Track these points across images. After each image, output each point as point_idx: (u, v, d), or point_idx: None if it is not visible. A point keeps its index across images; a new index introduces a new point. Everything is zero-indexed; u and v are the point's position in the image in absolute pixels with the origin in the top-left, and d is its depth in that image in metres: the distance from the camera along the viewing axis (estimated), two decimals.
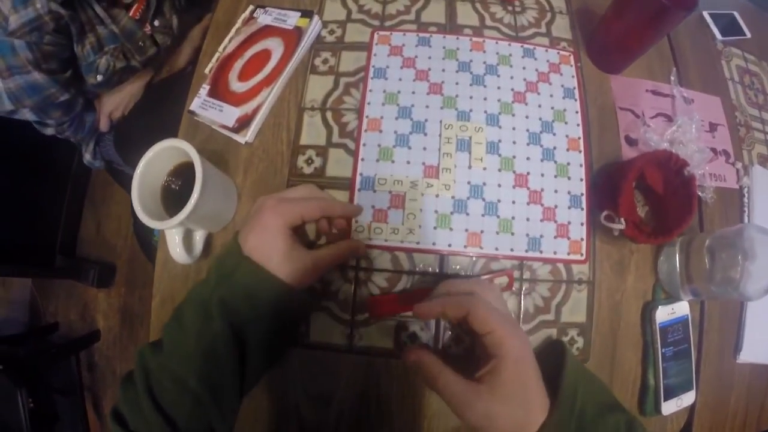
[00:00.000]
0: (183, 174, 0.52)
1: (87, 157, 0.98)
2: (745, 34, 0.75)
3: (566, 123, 0.57)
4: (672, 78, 0.65)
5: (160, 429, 0.37)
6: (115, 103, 0.90)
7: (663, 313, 0.54)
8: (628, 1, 0.55)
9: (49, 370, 1.34)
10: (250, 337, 0.41)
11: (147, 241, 1.21)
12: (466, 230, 0.52)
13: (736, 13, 0.77)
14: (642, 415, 0.55)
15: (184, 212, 0.46)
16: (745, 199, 0.63)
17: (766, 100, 0.71)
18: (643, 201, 0.58)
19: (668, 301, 0.55)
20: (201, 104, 0.60)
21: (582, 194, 0.55)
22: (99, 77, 0.80)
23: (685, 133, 0.60)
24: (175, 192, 0.52)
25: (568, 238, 0.53)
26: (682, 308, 0.55)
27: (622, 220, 0.50)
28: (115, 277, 1.56)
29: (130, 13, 0.78)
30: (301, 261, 0.43)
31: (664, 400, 0.54)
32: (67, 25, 0.71)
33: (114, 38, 0.77)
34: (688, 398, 0.55)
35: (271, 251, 0.42)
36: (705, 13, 0.75)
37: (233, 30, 0.65)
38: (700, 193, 0.59)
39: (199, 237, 0.53)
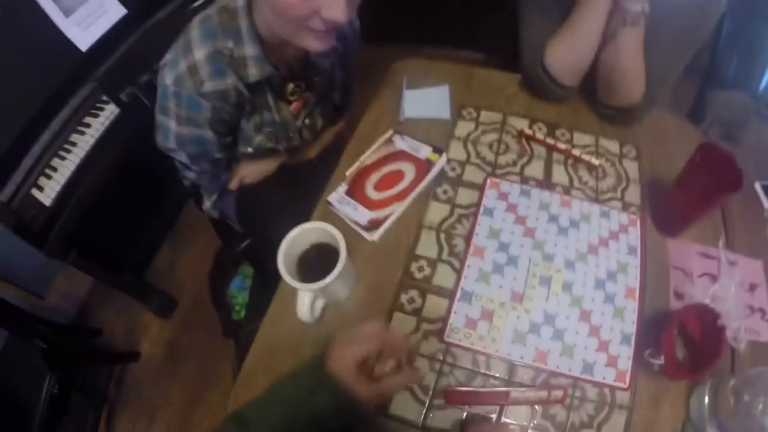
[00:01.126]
0: (320, 249, 0.67)
1: (207, 204, 1.08)
2: None
3: (627, 275, 0.72)
4: (720, 243, 0.79)
5: None
6: (250, 171, 1.04)
7: None
8: (688, 180, 0.71)
9: (82, 368, 1.37)
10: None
11: (220, 292, 1.34)
12: (536, 348, 0.67)
13: None
14: None
15: (323, 282, 0.60)
16: None
17: None
18: (683, 345, 0.71)
19: None
20: (338, 199, 0.79)
21: (632, 334, 0.69)
22: (250, 150, 0.94)
23: (725, 291, 0.73)
24: (310, 262, 0.67)
25: (616, 368, 0.67)
26: None
27: (662, 357, 0.64)
28: (174, 312, 1.61)
29: (290, 108, 0.92)
30: (363, 394, 0.51)
31: None
32: (243, 102, 0.83)
33: (273, 124, 0.91)
34: None
35: (345, 378, 0.50)
36: (756, 185, 0.88)
37: (374, 146, 0.85)
38: (733, 344, 0.71)
39: (319, 304, 0.68)
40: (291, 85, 0.84)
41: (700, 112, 1.16)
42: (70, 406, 1.30)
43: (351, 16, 0.64)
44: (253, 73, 0.74)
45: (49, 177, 1.09)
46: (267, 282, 1.18)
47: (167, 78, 0.73)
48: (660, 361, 0.64)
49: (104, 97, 1.17)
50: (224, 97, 0.76)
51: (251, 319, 1.26)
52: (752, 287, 0.77)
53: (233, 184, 1.02)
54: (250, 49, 0.72)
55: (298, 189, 0.79)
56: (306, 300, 0.64)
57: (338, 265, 0.62)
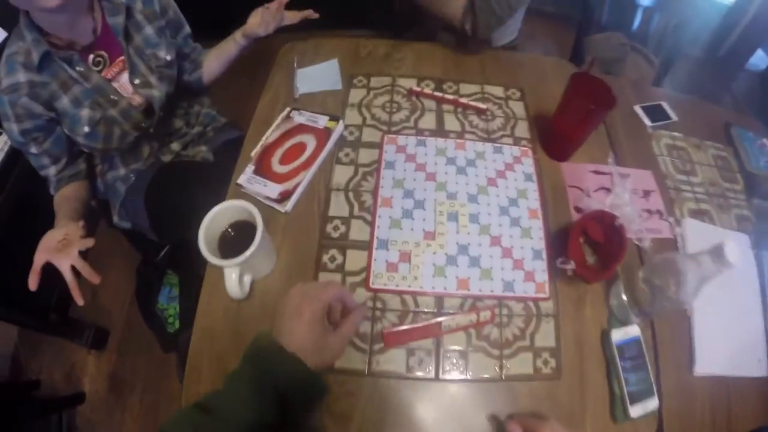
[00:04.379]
0: (239, 228, 0.68)
1: (115, 218, 1.10)
2: (671, 118, 0.96)
3: (527, 199, 0.77)
4: (609, 160, 0.85)
5: None
6: None
7: (618, 335, 0.67)
8: (567, 107, 0.78)
9: (27, 427, 1.30)
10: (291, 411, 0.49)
11: (150, 309, 1.30)
12: (457, 277, 0.69)
13: (663, 103, 0.98)
14: (614, 422, 0.65)
15: (244, 255, 0.61)
16: (679, 244, 0.79)
17: (692, 167, 0.90)
18: (590, 251, 0.75)
19: (621, 325, 0.69)
20: (248, 179, 0.78)
21: (542, 249, 0.73)
22: (86, 129, 0.91)
23: (621, 199, 0.79)
24: (231, 240, 0.67)
25: (534, 281, 0.70)
26: (633, 330, 0.68)
27: (572, 262, 0.68)
28: (108, 342, 1.55)
29: (105, 74, 0.92)
30: (335, 343, 0.51)
31: (630, 405, 0.64)
32: (38, 91, 0.85)
33: (87, 92, 0.90)
34: (652, 403, 0.65)
35: (308, 339, 0.49)
36: (636, 107, 0.96)
37: (274, 125, 0.85)
38: (638, 243, 0.76)
39: (246, 280, 0.68)
40: (91, 56, 0.89)
41: (580, 55, 1.28)
42: None
43: None
44: (35, 55, 0.81)
45: None
46: (193, 284, 1.16)
47: None
48: (571, 265, 0.68)
49: None
50: (16, 89, 0.83)
51: (187, 326, 1.20)
52: (646, 194, 0.84)
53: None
54: (29, 37, 0.80)
55: (206, 188, 0.80)
56: (233, 276, 0.64)
57: (257, 236, 0.63)
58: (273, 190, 0.77)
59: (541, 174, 0.81)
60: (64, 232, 0.81)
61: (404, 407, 0.65)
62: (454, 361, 0.66)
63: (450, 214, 0.74)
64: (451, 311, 0.69)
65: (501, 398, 0.66)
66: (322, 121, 0.83)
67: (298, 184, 0.77)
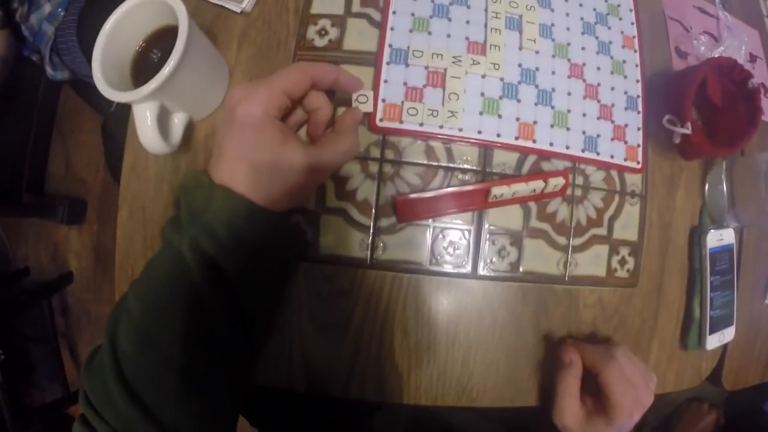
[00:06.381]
0: (165, 42, 0.39)
1: (48, 70, 0.91)
2: None
3: (620, 19, 0.50)
4: (717, 0, 0.60)
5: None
6: None
7: (712, 239, 0.49)
8: None
9: (20, 318, 1.27)
10: (241, 282, 0.32)
11: (118, 165, 1.06)
12: (518, 119, 0.43)
13: None
14: (683, 349, 0.50)
15: (160, 76, 0.34)
16: None
17: None
18: (697, 116, 0.52)
19: (717, 226, 0.50)
20: None
21: (638, 96, 0.48)
22: None
23: (734, 54, 0.56)
24: (152, 64, 0.39)
25: (625, 143, 0.46)
26: (729, 236, 0.50)
27: (688, 124, 0.44)
28: (87, 214, 1.43)
29: None
30: (299, 162, 0.33)
31: (709, 334, 0.49)
32: None
33: None
34: (728, 334, 0.51)
35: (246, 157, 0.32)
36: None
37: None
38: None
39: (178, 120, 0.41)
40: None
41: None
42: (30, 361, 1.29)
43: None
44: None
45: None
46: None
47: None
48: (686, 129, 0.44)
49: None
50: None
51: None
52: (752, 58, 0.61)
53: None
54: None
55: None
56: (149, 117, 0.37)
57: (179, 42, 0.35)
58: None
59: None
60: None
61: (423, 316, 0.41)
62: (502, 247, 0.42)
63: (510, 20, 0.45)
64: (504, 172, 0.43)
65: (560, 309, 0.45)
66: None
67: None
